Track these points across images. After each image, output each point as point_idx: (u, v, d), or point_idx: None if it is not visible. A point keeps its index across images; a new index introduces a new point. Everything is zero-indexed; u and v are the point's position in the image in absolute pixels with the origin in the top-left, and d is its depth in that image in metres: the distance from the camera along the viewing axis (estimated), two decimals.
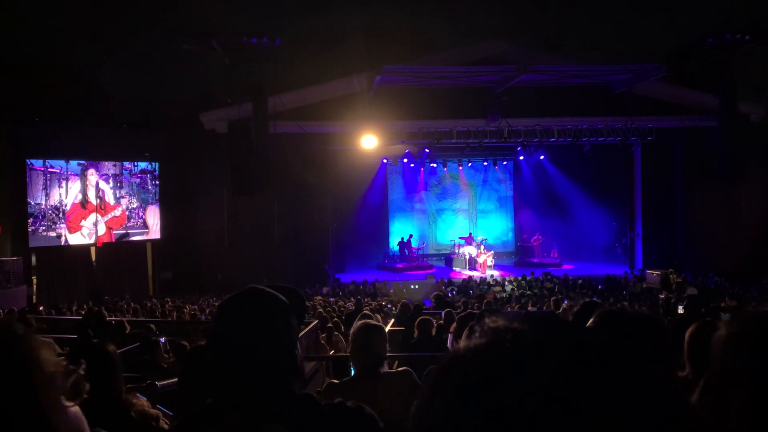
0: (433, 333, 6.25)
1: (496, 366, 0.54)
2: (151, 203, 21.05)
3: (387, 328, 3.74)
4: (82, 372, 1.22)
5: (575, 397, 0.52)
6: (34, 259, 18.71)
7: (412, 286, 19.78)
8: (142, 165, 20.83)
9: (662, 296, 14.59)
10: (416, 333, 6.13)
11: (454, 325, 6.03)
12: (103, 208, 19.81)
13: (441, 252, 25.49)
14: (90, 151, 19.50)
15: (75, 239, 19.24)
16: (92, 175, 19.59)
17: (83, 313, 10.74)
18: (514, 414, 0.51)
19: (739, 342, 1.13)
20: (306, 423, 1.39)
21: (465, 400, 0.54)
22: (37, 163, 18.44)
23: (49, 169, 18.69)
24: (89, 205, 19.50)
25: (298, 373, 1.48)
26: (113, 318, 10.18)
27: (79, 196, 19.33)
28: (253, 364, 1.39)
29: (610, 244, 24.53)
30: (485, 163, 25.38)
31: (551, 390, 0.52)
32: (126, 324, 8.89)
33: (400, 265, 23.22)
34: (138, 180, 20.78)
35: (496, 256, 23.80)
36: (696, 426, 0.56)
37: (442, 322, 7.63)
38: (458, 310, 9.14)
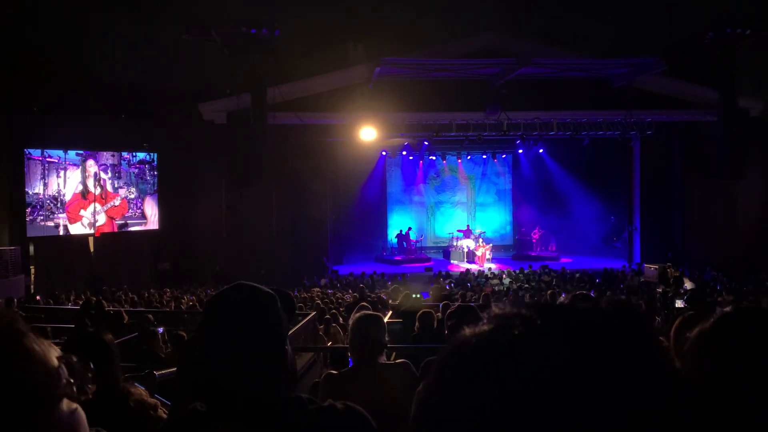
0: (435, 326, 6.26)
1: (503, 351, 0.54)
2: (150, 194, 21.02)
3: (385, 320, 3.74)
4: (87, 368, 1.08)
5: (584, 382, 0.51)
6: (32, 248, 18.70)
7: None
8: (141, 155, 20.79)
9: (659, 290, 14.62)
10: (417, 326, 6.12)
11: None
12: (103, 197, 19.81)
13: (439, 245, 25.51)
14: (88, 141, 19.45)
15: (76, 229, 19.25)
16: (91, 166, 19.57)
17: (81, 302, 10.76)
18: (522, 398, 0.51)
19: (707, 341, 1.11)
20: (293, 430, 1.36)
21: (471, 385, 0.53)
22: (35, 152, 18.40)
23: (47, 159, 18.65)
24: (90, 195, 19.50)
25: (287, 370, 1.44)
26: (111, 308, 10.19)
27: (80, 187, 19.32)
28: (243, 358, 1.35)
29: (608, 238, 24.58)
30: (484, 156, 25.38)
31: (559, 374, 0.52)
32: (124, 314, 8.90)
33: (398, 258, 23.26)
34: (136, 170, 20.75)
35: (494, 249, 23.85)
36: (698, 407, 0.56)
37: (439, 314, 7.63)
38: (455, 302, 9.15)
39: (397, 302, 10.04)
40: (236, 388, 1.36)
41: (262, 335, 1.39)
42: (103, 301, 10.22)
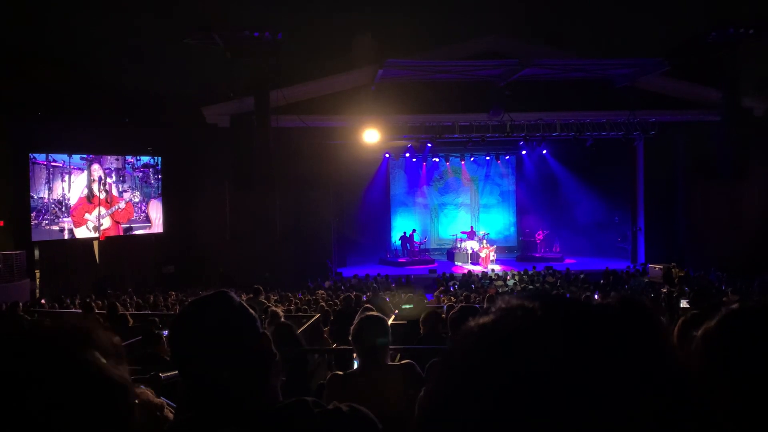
0: (439, 328, 6.24)
1: (503, 341, 0.54)
2: (154, 197, 21.07)
3: (389, 321, 3.72)
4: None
5: (582, 373, 0.51)
6: (37, 252, 18.76)
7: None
8: (145, 159, 20.84)
9: (664, 290, 14.57)
10: (422, 329, 6.06)
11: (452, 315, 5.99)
12: (109, 201, 19.87)
13: (443, 246, 25.49)
14: (92, 145, 19.51)
15: (81, 233, 19.31)
16: (96, 170, 19.63)
17: (81, 305, 10.76)
18: (522, 387, 0.51)
19: (713, 339, 1.11)
20: None
21: (472, 375, 0.54)
22: (40, 157, 18.46)
23: (52, 163, 18.71)
24: (95, 199, 19.56)
25: (271, 354, 1.44)
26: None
27: (85, 191, 19.38)
28: (233, 365, 1.35)
29: (612, 239, 24.51)
30: (488, 158, 25.34)
31: (559, 362, 0.52)
32: (129, 317, 8.91)
33: (402, 260, 23.24)
34: (140, 174, 20.80)
35: (498, 250, 23.80)
36: (702, 398, 0.57)
37: (444, 315, 7.62)
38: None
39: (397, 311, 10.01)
40: (228, 388, 1.35)
41: (246, 337, 1.40)
42: (117, 304, 10.20)
